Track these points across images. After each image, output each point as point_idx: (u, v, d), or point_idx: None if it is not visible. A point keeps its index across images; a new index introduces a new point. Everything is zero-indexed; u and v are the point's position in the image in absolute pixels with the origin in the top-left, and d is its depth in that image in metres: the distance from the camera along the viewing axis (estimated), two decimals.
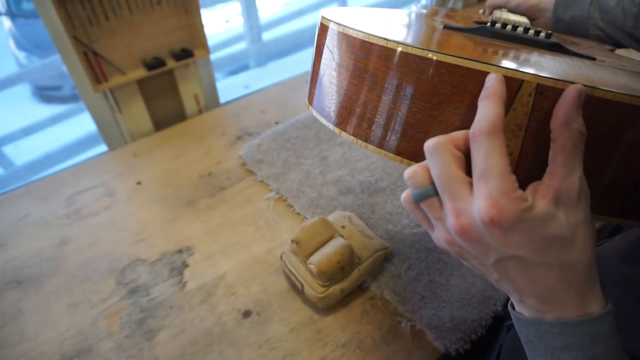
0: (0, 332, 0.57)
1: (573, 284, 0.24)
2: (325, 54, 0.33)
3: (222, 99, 1.07)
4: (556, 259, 0.24)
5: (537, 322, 0.26)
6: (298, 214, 0.72)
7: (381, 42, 0.27)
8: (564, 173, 0.23)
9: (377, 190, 0.75)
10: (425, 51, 0.25)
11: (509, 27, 0.38)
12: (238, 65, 2.54)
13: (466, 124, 0.25)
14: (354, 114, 0.30)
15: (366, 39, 0.28)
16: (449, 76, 0.25)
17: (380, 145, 0.29)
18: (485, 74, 0.24)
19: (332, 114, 0.32)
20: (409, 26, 0.38)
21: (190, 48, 0.91)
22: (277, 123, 0.95)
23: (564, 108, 0.23)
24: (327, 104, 0.33)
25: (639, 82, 0.29)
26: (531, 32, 0.38)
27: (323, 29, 0.33)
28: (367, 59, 0.28)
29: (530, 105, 0.24)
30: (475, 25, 0.39)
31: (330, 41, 0.32)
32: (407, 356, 0.53)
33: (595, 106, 0.23)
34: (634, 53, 0.53)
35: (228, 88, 1.98)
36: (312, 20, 2.75)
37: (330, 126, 0.33)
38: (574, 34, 0.54)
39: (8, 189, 0.82)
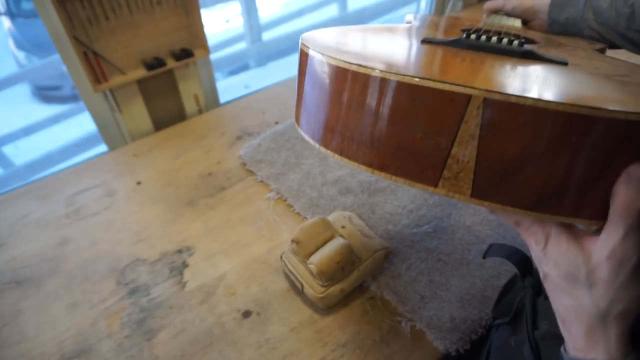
0: (0, 332, 0.57)
1: (581, 321, 0.27)
2: (307, 78, 0.35)
3: (222, 99, 1.07)
4: (570, 289, 0.27)
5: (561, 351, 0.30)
6: (298, 214, 0.72)
7: (353, 68, 0.29)
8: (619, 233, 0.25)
9: (377, 190, 0.75)
10: (389, 74, 0.28)
11: (483, 37, 0.39)
12: (238, 65, 2.54)
13: (428, 135, 0.27)
14: (334, 133, 0.32)
15: (340, 65, 0.30)
16: (409, 95, 0.27)
17: (360, 161, 0.31)
18: (442, 92, 0.26)
19: (315, 133, 0.34)
20: (390, 45, 0.39)
21: (190, 48, 0.91)
22: (277, 123, 0.95)
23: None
24: (311, 124, 0.35)
25: (602, 89, 0.30)
26: (504, 41, 0.39)
27: (303, 54, 0.35)
28: (342, 83, 0.31)
29: (480, 118, 0.25)
30: (454, 37, 0.39)
31: (309, 66, 0.34)
32: (407, 356, 0.53)
33: (547, 118, 0.24)
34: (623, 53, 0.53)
35: (228, 88, 1.98)
36: (312, 20, 2.75)
37: (316, 145, 0.35)
38: (569, 35, 0.54)
39: (8, 189, 0.82)
